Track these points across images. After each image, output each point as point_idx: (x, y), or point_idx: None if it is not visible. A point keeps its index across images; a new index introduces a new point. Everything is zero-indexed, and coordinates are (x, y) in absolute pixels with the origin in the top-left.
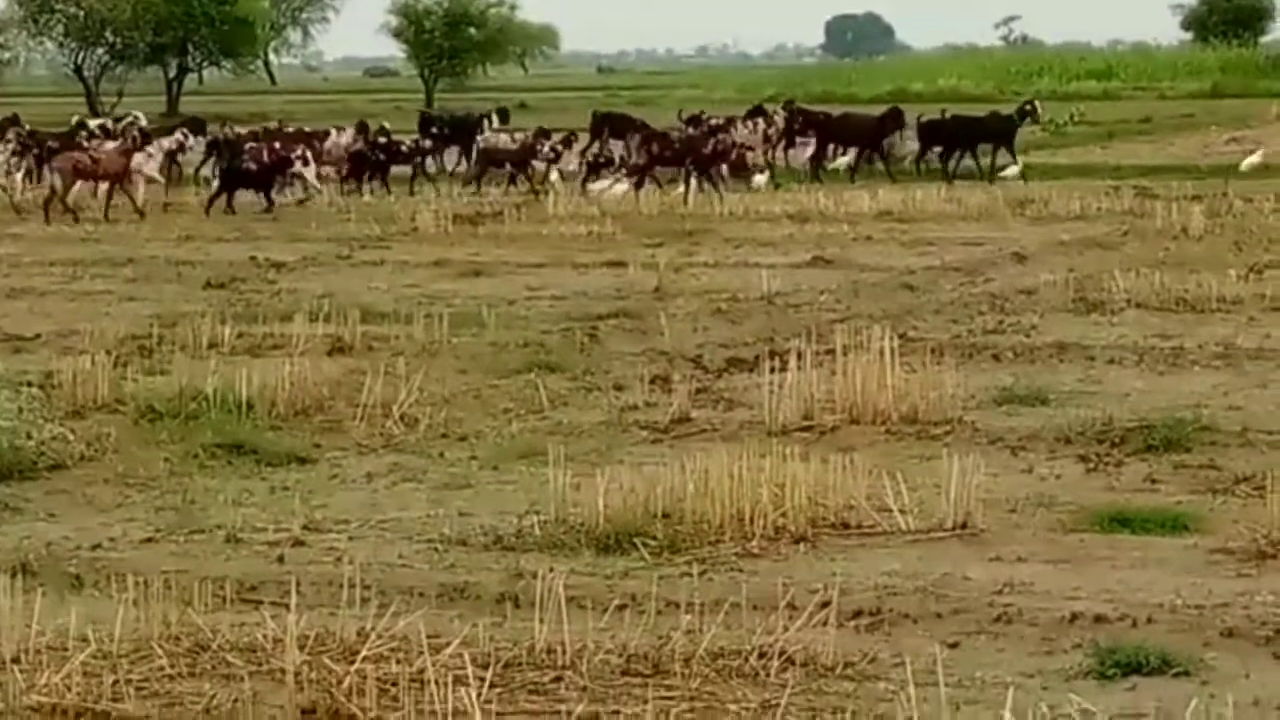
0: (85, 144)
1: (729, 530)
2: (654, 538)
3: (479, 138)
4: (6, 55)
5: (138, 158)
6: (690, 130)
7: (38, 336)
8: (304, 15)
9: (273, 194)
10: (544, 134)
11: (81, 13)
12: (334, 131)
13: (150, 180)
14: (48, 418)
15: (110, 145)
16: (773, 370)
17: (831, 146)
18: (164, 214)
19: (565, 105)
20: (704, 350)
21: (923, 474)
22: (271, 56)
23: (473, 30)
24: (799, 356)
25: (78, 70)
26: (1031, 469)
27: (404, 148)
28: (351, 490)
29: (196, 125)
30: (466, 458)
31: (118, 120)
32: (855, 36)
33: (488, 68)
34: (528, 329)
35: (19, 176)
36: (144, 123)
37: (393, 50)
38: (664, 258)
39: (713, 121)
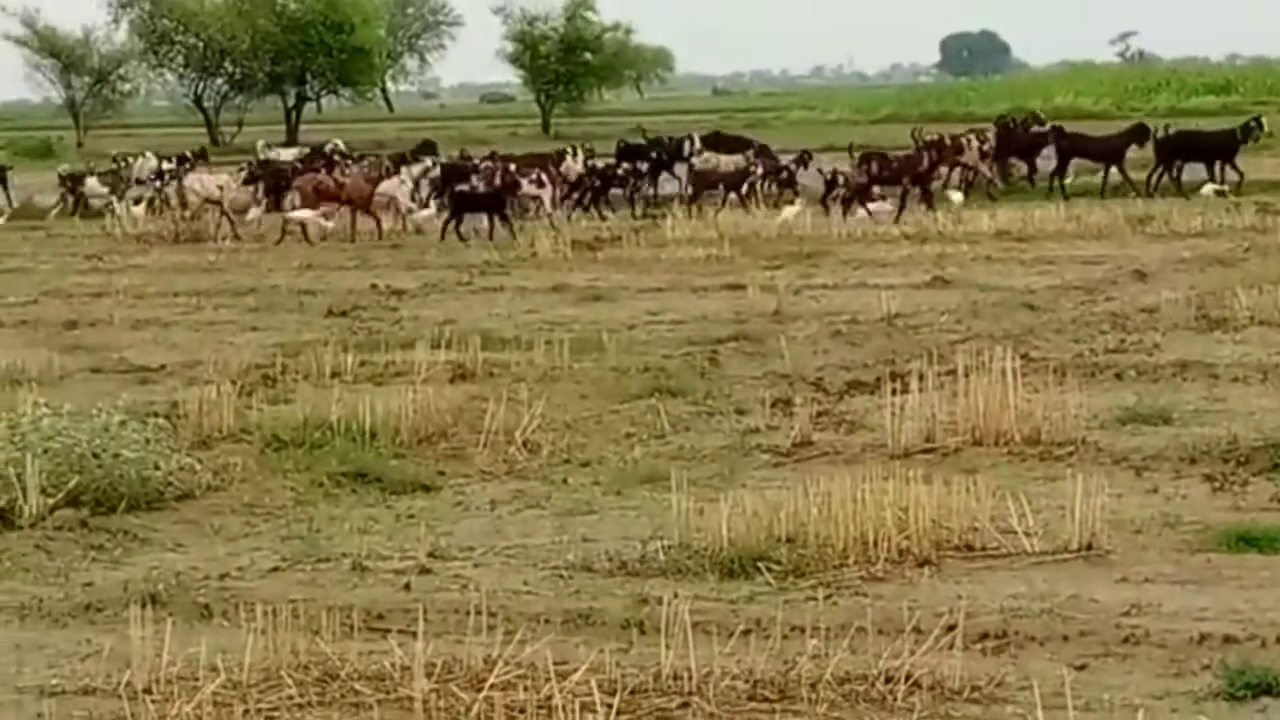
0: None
1: (853, 554)
2: (778, 562)
3: (693, 160)
4: (127, 87)
5: (387, 184)
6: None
7: (163, 367)
8: (421, 42)
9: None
10: (766, 153)
11: (201, 44)
12: (568, 155)
13: (407, 210)
14: (175, 448)
15: (356, 169)
16: (894, 392)
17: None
18: (284, 242)
19: (682, 128)
20: (824, 373)
21: (1047, 495)
22: (389, 84)
23: (589, 55)
24: (920, 378)
25: (197, 100)
26: (1156, 489)
27: (619, 173)
28: (476, 517)
29: (428, 148)
30: (589, 483)
31: (319, 147)
32: (971, 54)
33: (603, 92)
34: (648, 353)
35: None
36: (343, 148)
37: (509, 76)
38: (783, 280)
39: (934, 138)
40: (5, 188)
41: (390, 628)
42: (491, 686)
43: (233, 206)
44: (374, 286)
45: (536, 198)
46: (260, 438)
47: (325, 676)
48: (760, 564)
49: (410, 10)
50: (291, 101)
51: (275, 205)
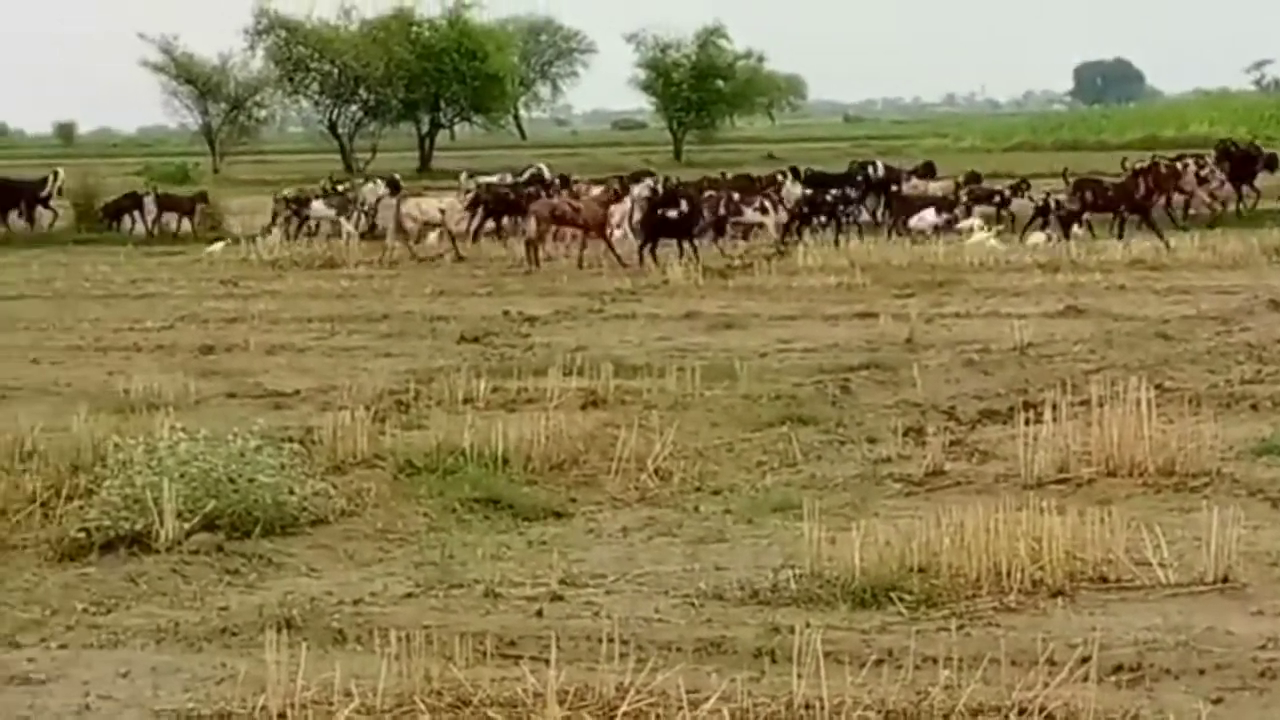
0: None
1: (986, 584)
2: (910, 592)
3: (905, 185)
4: (263, 113)
5: (619, 208)
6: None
7: (297, 392)
8: (553, 69)
9: (716, 241)
10: (975, 179)
11: (336, 71)
12: (787, 179)
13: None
14: (309, 473)
15: (594, 192)
16: (1027, 422)
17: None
18: (418, 268)
19: (813, 156)
20: (957, 402)
21: (1182, 527)
22: (521, 111)
23: (721, 82)
24: (1054, 408)
25: (332, 127)
26: None
27: (829, 198)
28: (607, 544)
29: (646, 175)
30: (721, 511)
31: (519, 174)
32: (1105, 82)
33: (735, 119)
34: (779, 381)
35: (471, 225)
36: (547, 174)
37: (641, 103)
38: (915, 308)
39: (1145, 164)
40: (144, 214)
41: (523, 654)
42: (624, 714)
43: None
44: (506, 313)
45: (760, 224)
46: (393, 463)
47: (458, 703)
48: (892, 594)
49: (543, 38)
50: (425, 128)
51: (496, 229)
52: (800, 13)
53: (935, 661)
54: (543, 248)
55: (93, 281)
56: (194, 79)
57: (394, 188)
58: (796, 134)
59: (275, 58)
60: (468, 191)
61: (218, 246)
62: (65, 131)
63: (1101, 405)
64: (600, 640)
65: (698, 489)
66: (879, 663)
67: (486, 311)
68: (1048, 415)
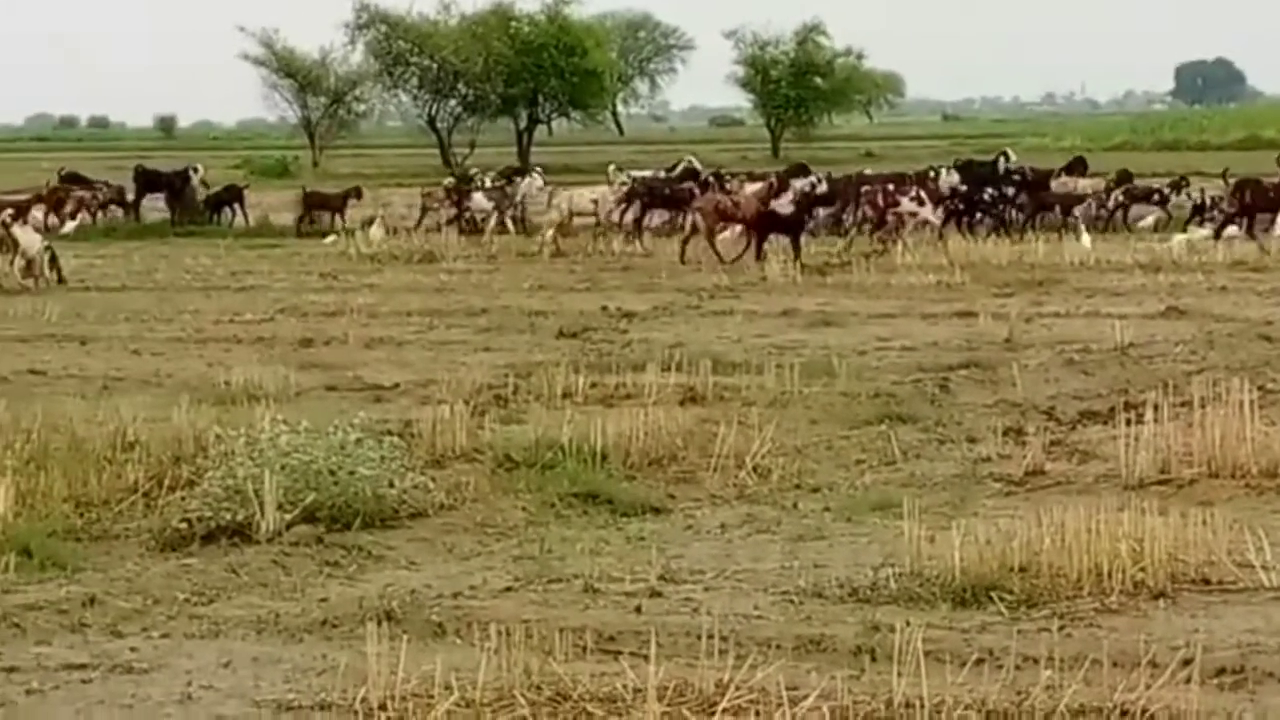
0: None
1: (1087, 585)
2: (1010, 591)
3: (1054, 181)
4: (362, 108)
5: (776, 204)
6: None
7: (396, 386)
8: (651, 66)
9: (875, 233)
10: (1126, 178)
11: (435, 66)
12: (944, 172)
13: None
14: (409, 466)
15: (751, 189)
16: (1128, 422)
17: None
18: (515, 262)
19: (911, 154)
20: (1056, 401)
21: None
22: (619, 107)
23: (819, 80)
24: (1155, 409)
25: (430, 122)
26: None
27: (987, 196)
28: (706, 541)
29: (800, 170)
30: (820, 509)
31: (671, 168)
32: (1206, 82)
33: (833, 117)
34: (878, 379)
35: (627, 218)
36: (699, 168)
37: (738, 100)
38: (1014, 308)
39: None
40: (243, 206)
41: (622, 650)
42: (723, 711)
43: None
44: (604, 308)
45: (915, 214)
46: (492, 457)
47: (557, 697)
48: (992, 593)
49: (641, 34)
50: (523, 124)
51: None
52: (900, 10)
53: (1036, 662)
54: (709, 243)
55: (193, 273)
56: (294, 73)
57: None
58: (894, 132)
59: (375, 52)
60: (623, 184)
61: (330, 239)
62: (166, 125)
63: (1203, 406)
64: (699, 637)
65: (796, 486)
66: (979, 662)
67: (585, 307)
68: (1149, 416)
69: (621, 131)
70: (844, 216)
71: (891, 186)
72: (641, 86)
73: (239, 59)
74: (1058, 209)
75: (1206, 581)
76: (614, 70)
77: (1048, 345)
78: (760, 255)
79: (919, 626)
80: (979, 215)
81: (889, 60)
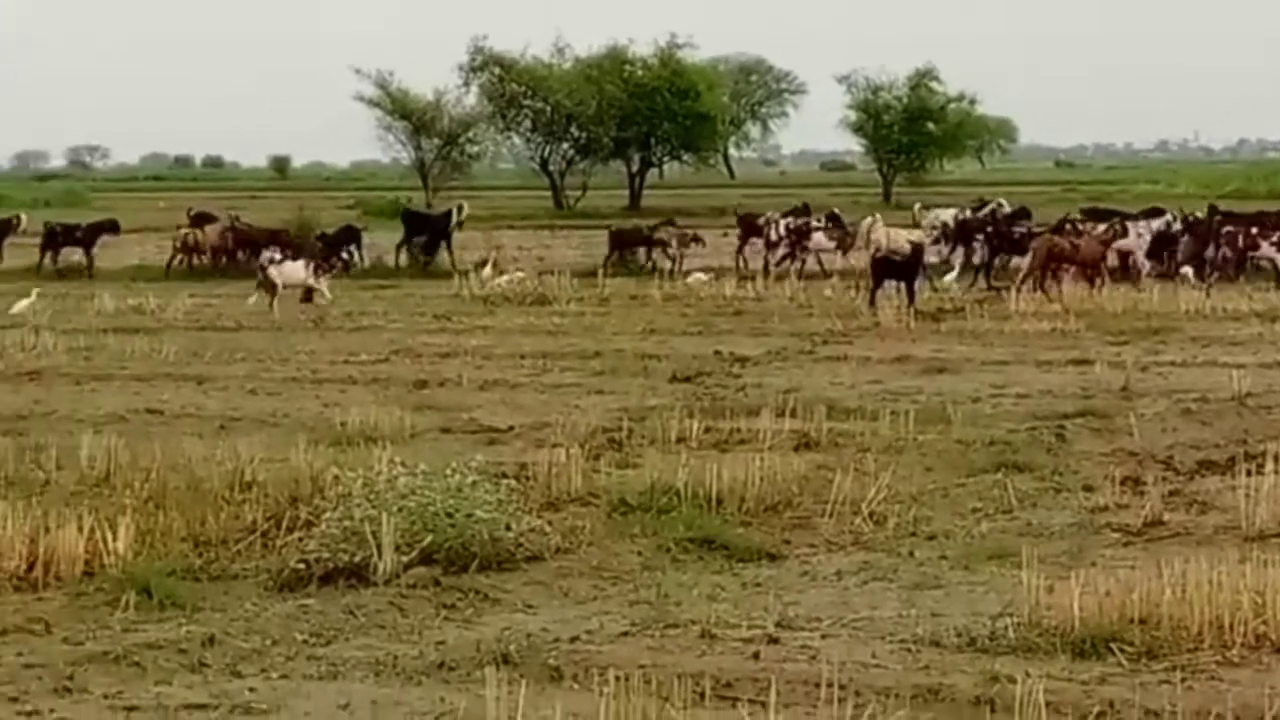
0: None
1: (1208, 638)
2: (1131, 643)
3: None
4: (475, 149)
5: (1123, 244)
6: None
7: (511, 428)
8: (763, 109)
9: (1237, 277)
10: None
11: (548, 108)
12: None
13: (1145, 269)
14: (524, 509)
15: (1098, 229)
16: (1248, 473)
17: None
18: (627, 305)
19: (1024, 200)
20: (1174, 451)
21: None
22: (731, 150)
23: (931, 125)
24: (1275, 459)
25: (543, 164)
26: None
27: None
28: (822, 588)
29: (1157, 210)
30: (936, 557)
31: (976, 207)
32: None
33: (945, 162)
34: (993, 427)
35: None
36: (1007, 207)
37: (849, 144)
38: (1130, 356)
39: None
40: (359, 247)
41: (740, 696)
42: None
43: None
44: (718, 353)
45: (1273, 260)
46: (607, 501)
47: None
48: (1113, 644)
49: (754, 78)
50: (635, 166)
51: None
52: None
53: (1158, 715)
54: (1042, 284)
55: (308, 314)
56: (409, 114)
57: (835, 221)
58: (1006, 178)
59: (489, 94)
60: (934, 228)
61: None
62: (279, 165)
63: None
64: (818, 684)
65: (912, 534)
66: (1101, 715)
67: (697, 351)
68: (1269, 467)
69: (732, 174)
70: (1204, 255)
71: (1255, 230)
72: (753, 130)
73: (354, 100)
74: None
75: None
76: (726, 114)
77: (1164, 394)
78: (872, 301)
79: (1039, 677)
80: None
81: (1002, 106)
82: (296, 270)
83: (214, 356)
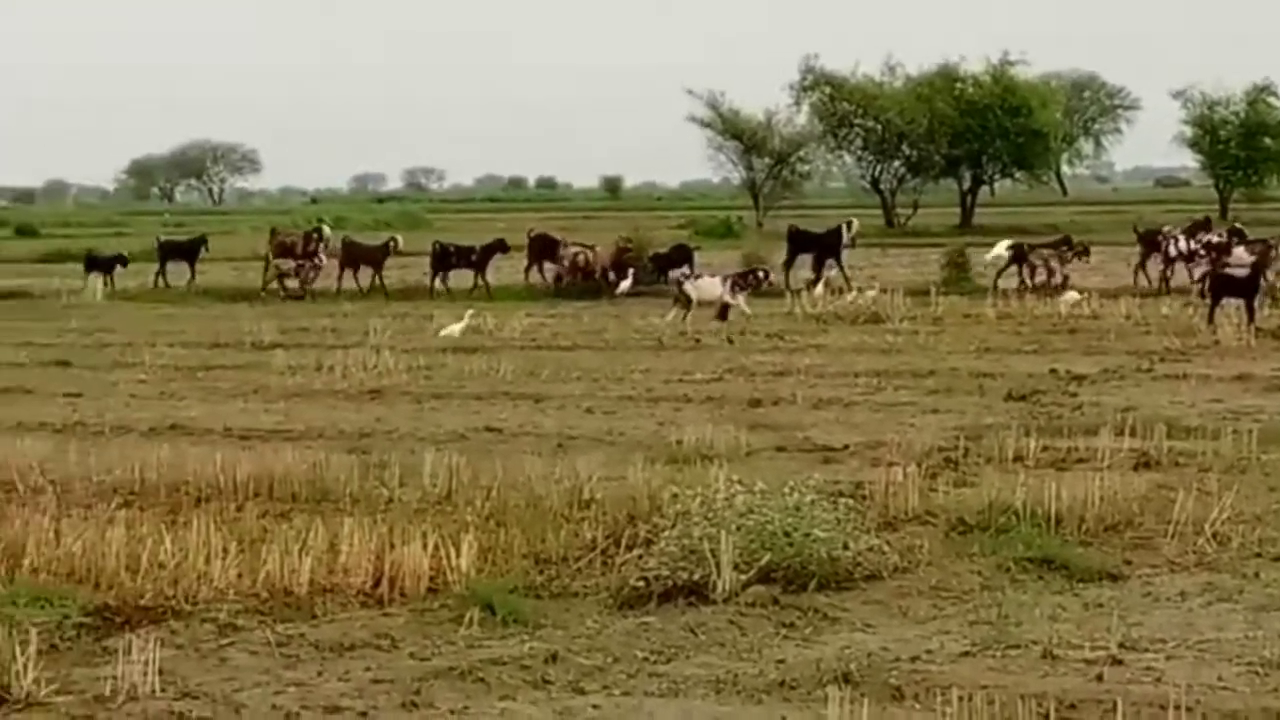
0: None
1: None
2: None
3: None
4: (806, 169)
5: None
6: None
7: (846, 447)
8: (1096, 126)
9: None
10: None
11: (880, 127)
12: None
13: None
14: (862, 528)
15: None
16: None
17: None
18: (961, 324)
19: None
20: None
21: None
22: (1064, 167)
23: (1268, 140)
24: None
25: (874, 183)
26: None
27: None
28: (1165, 609)
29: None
30: None
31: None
32: None
33: None
34: None
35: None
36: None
37: (1184, 160)
38: None
39: None
40: (691, 267)
41: (1084, 718)
42: None
43: None
44: (1053, 371)
45: None
46: (945, 521)
47: None
48: None
49: (1087, 94)
50: (966, 184)
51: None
52: None
53: None
54: None
55: (642, 333)
56: (740, 134)
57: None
58: None
59: (820, 114)
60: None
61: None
62: (612, 185)
63: None
64: (1164, 707)
65: (1257, 554)
66: None
67: (1032, 369)
68: None
69: (1065, 192)
70: None
71: None
72: (1086, 146)
73: (686, 121)
74: None
75: None
76: (1059, 131)
77: None
78: (1211, 319)
79: None
80: None
81: None
82: (713, 286)
83: (550, 375)
